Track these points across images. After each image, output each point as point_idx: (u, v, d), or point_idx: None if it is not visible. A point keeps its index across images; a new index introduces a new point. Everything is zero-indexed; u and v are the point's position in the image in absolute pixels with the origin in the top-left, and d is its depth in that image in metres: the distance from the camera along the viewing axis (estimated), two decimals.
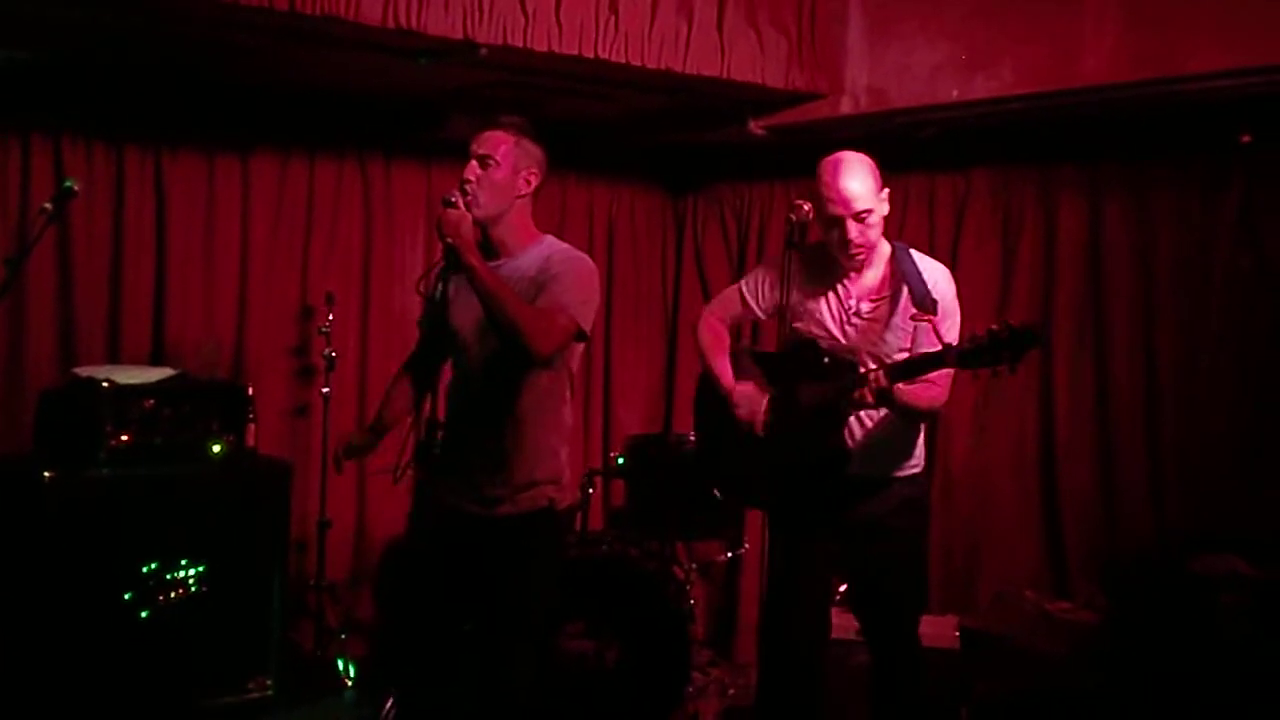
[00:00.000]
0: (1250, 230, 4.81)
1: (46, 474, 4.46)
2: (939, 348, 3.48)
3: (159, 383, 4.83)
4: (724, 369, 4.04)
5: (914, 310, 3.62)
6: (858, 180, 3.70)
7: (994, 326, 3.33)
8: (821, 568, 3.92)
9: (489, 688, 3.68)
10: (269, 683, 4.92)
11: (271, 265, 5.68)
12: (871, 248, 3.77)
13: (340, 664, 5.31)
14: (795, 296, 3.85)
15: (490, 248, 3.65)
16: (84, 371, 4.84)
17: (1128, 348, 5.11)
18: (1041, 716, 4.49)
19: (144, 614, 4.62)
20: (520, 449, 3.63)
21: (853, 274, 3.82)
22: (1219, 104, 4.53)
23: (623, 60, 4.62)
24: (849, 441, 3.79)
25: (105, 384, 4.66)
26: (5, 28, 4.38)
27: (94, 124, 5.23)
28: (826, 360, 3.74)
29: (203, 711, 4.76)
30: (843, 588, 4.42)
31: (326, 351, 5.50)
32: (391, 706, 3.90)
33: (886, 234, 3.84)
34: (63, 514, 4.47)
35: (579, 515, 5.30)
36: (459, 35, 4.27)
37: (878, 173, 3.75)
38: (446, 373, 3.85)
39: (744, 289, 4.06)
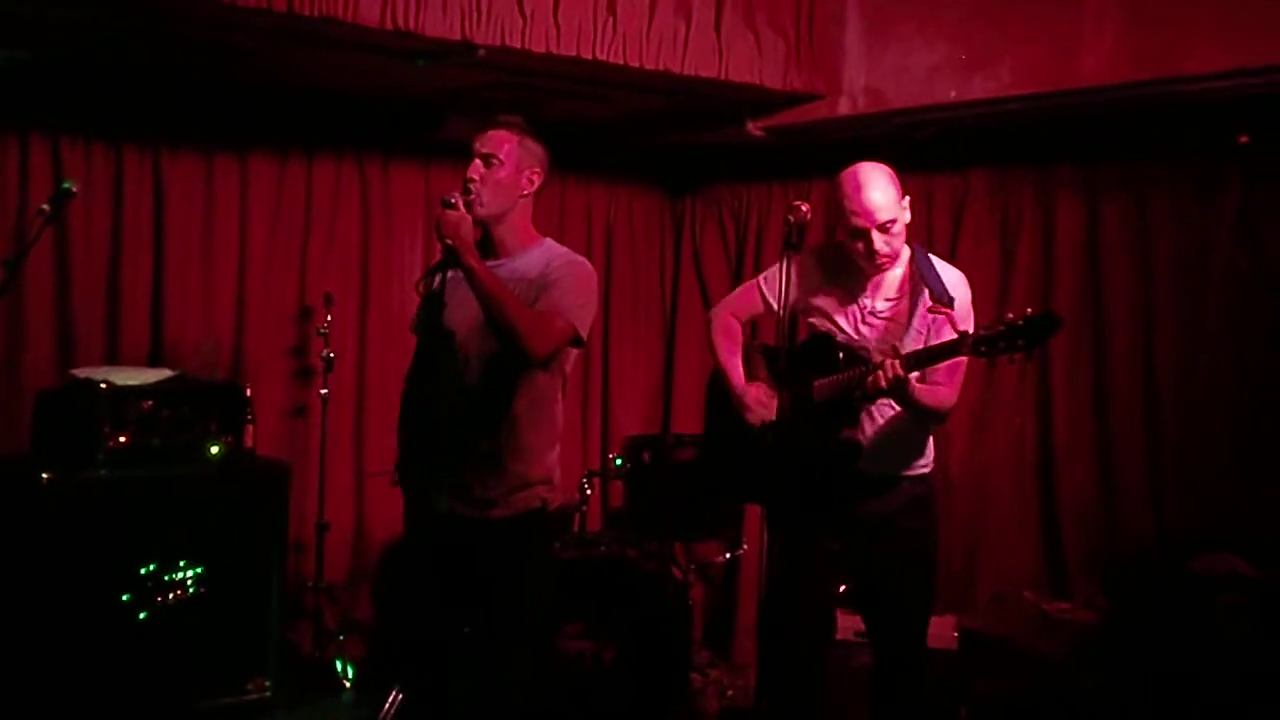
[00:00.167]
0: (1248, 230, 4.81)
1: (45, 475, 4.46)
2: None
3: (157, 384, 4.83)
4: (736, 368, 4.05)
5: (931, 304, 3.63)
6: (880, 191, 3.69)
7: (1010, 315, 3.34)
8: (822, 568, 3.91)
9: (486, 689, 3.68)
10: (267, 684, 4.91)
11: (270, 266, 5.68)
12: (895, 256, 3.78)
13: (338, 665, 5.31)
14: (812, 295, 3.89)
15: (491, 248, 3.65)
16: (82, 372, 4.83)
17: (1126, 348, 5.11)
18: (1041, 717, 4.49)
19: (142, 615, 4.61)
20: (514, 450, 3.63)
21: (871, 275, 3.83)
22: (1217, 104, 4.53)
23: (621, 61, 4.62)
24: (861, 437, 3.79)
25: (103, 385, 4.66)
26: (5, 28, 4.37)
27: (92, 124, 5.23)
28: (841, 355, 3.74)
29: (201, 712, 4.75)
30: (842, 588, 4.41)
31: (325, 352, 5.50)
32: (396, 698, 3.89)
33: None
34: (61, 515, 4.47)
35: (577, 516, 5.30)
36: (457, 36, 4.27)
37: (898, 181, 3.75)
38: None
39: (763, 286, 4.05)
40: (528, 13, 4.38)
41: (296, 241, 5.75)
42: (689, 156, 6.63)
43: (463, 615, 3.74)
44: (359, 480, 5.83)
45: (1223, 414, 4.85)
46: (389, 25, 4.12)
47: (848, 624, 4.43)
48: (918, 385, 3.63)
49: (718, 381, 4.17)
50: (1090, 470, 5.19)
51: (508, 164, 3.62)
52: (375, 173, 5.92)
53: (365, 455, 5.83)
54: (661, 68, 4.71)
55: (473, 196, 3.57)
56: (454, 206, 3.48)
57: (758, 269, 6.29)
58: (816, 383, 3.78)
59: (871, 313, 3.82)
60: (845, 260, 3.85)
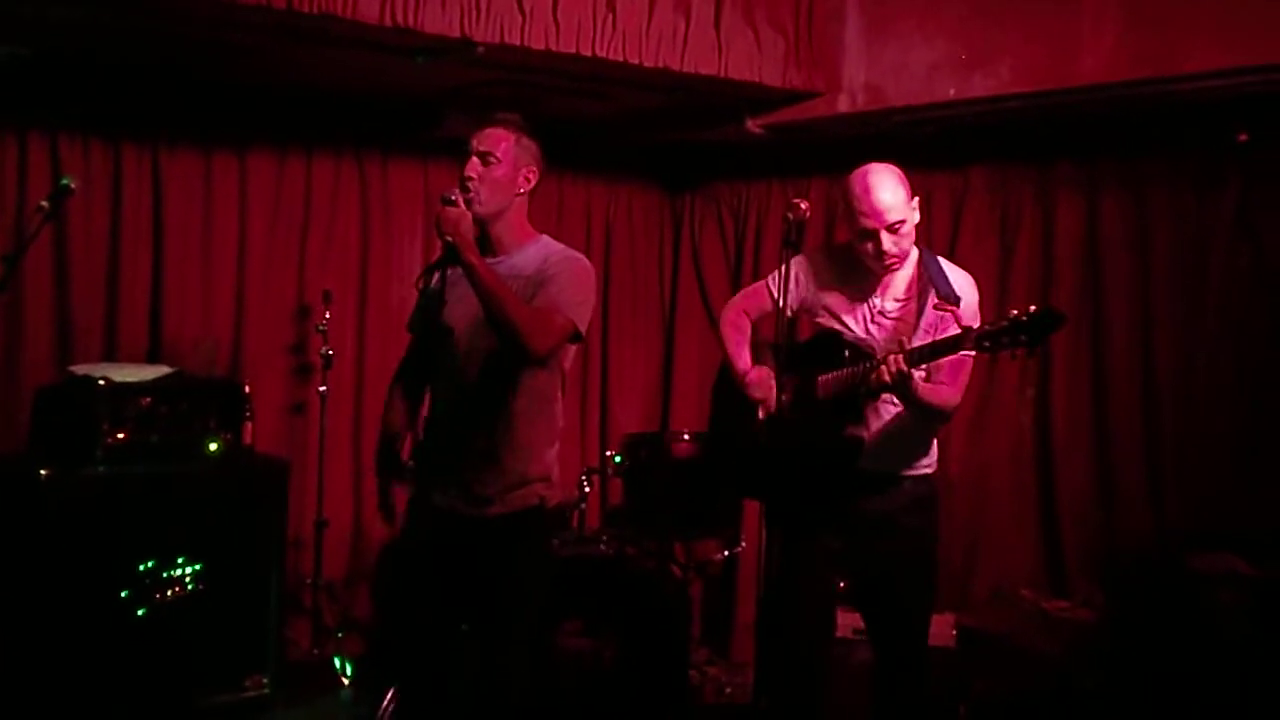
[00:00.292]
0: (1247, 228, 4.81)
1: (43, 472, 4.46)
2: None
3: (156, 380, 4.83)
4: (741, 355, 4.05)
5: (937, 301, 3.64)
6: (889, 192, 3.70)
7: (1013, 311, 3.34)
8: (823, 565, 3.91)
9: (485, 687, 3.68)
10: (266, 681, 4.91)
11: (269, 263, 5.68)
12: (905, 256, 3.79)
13: (337, 663, 5.31)
14: (822, 294, 3.91)
15: (488, 245, 3.65)
16: (80, 369, 4.83)
17: (1125, 345, 5.11)
18: (1039, 715, 4.49)
19: (141, 612, 4.61)
20: (512, 448, 3.63)
21: (880, 276, 3.84)
22: (1216, 103, 4.53)
23: (620, 59, 4.62)
24: (864, 434, 3.79)
25: (102, 382, 4.66)
26: (5, 26, 4.37)
27: (91, 121, 5.23)
28: (847, 352, 3.75)
29: (199, 710, 4.75)
30: (841, 585, 4.41)
31: (324, 350, 5.50)
32: (391, 700, 3.89)
33: None
34: (59, 512, 4.47)
35: (576, 514, 5.30)
36: (456, 34, 4.27)
37: (907, 181, 3.76)
38: None
39: (771, 285, 4.04)
40: (527, 10, 4.38)
41: (295, 239, 5.75)
42: (688, 154, 6.63)
43: (461, 613, 3.74)
44: (358, 477, 5.83)
45: (1222, 412, 4.85)
46: (388, 22, 4.12)
47: (847, 621, 4.42)
48: (921, 382, 3.64)
49: (724, 377, 4.17)
50: (1089, 468, 5.19)
51: (505, 162, 3.62)
52: (374, 170, 5.92)
53: (364, 452, 5.82)
54: (661, 65, 4.71)
55: (471, 194, 3.57)
56: (453, 203, 3.48)
57: (757, 267, 6.31)
58: (821, 378, 3.79)
59: (881, 313, 3.82)
60: (855, 260, 3.86)
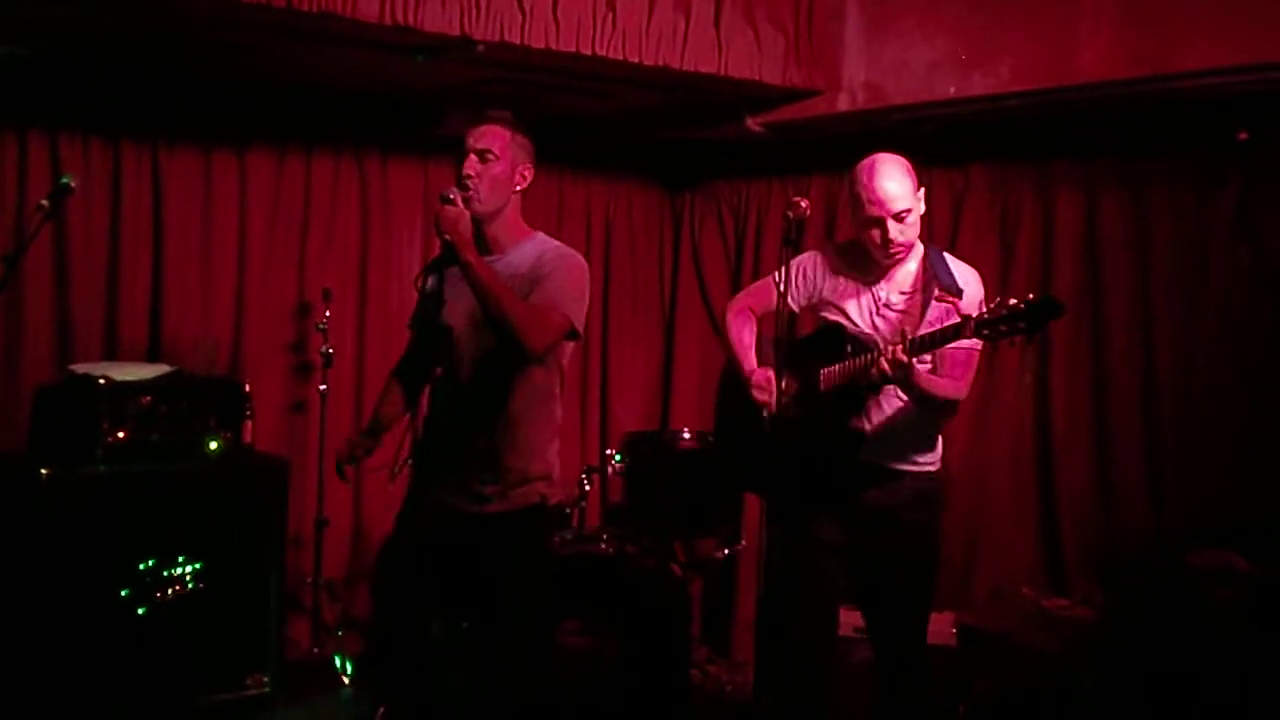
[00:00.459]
0: (1247, 227, 4.81)
1: (43, 471, 4.47)
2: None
3: (156, 379, 4.84)
4: (746, 353, 4.06)
5: (939, 292, 3.64)
6: (895, 181, 3.73)
7: (1013, 300, 3.35)
8: (824, 561, 3.91)
9: (485, 685, 3.68)
10: (266, 680, 4.92)
11: (269, 262, 5.69)
12: (910, 246, 3.81)
13: (337, 661, 5.31)
14: (828, 290, 3.93)
15: (484, 243, 3.65)
16: (80, 368, 4.83)
17: (1125, 343, 5.11)
18: (1039, 713, 4.49)
19: (141, 611, 4.62)
20: (513, 445, 3.64)
21: (886, 270, 3.85)
22: (1216, 101, 4.53)
23: (620, 57, 4.61)
24: (865, 426, 3.80)
25: (102, 381, 4.66)
26: (5, 25, 4.37)
27: (91, 120, 5.23)
28: (850, 346, 3.76)
29: (200, 709, 4.76)
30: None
31: (324, 348, 5.50)
32: (383, 716, 3.88)
33: None
34: (59, 511, 4.47)
35: (576, 512, 5.30)
36: (456, 32, 4.27)
37: (913, 172, 3.79)
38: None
39: (777, 280, 4.06)
40: (527, 8, 4.38)
41: (295, 237, 5.76)
42: (688, 152, 6.63)
43: (461, 611, 3.75)
44: (358, 476, 5.82)
45: (1221, 411, 4.85)
46: (388, 21, 4.12)
47: (847, 620, 4.42)
48: (923, 373, 3.65)
49: (729, 373, 4.18)
50: (1089, 467, 5.19)
51: (504, 159, 3.63)
52: (374, 169, 5.92)
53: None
54: (661, 63, 4.71)
55: (471, 192, 3.57)
56: (452, 202, 3.49)
57: (757, 265, 6.31)
58: (823, 371, 3.79)
59: (885, 306, 3.84)
60: (861, 255, 3.88)
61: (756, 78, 4.98)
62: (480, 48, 4.38)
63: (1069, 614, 4.82)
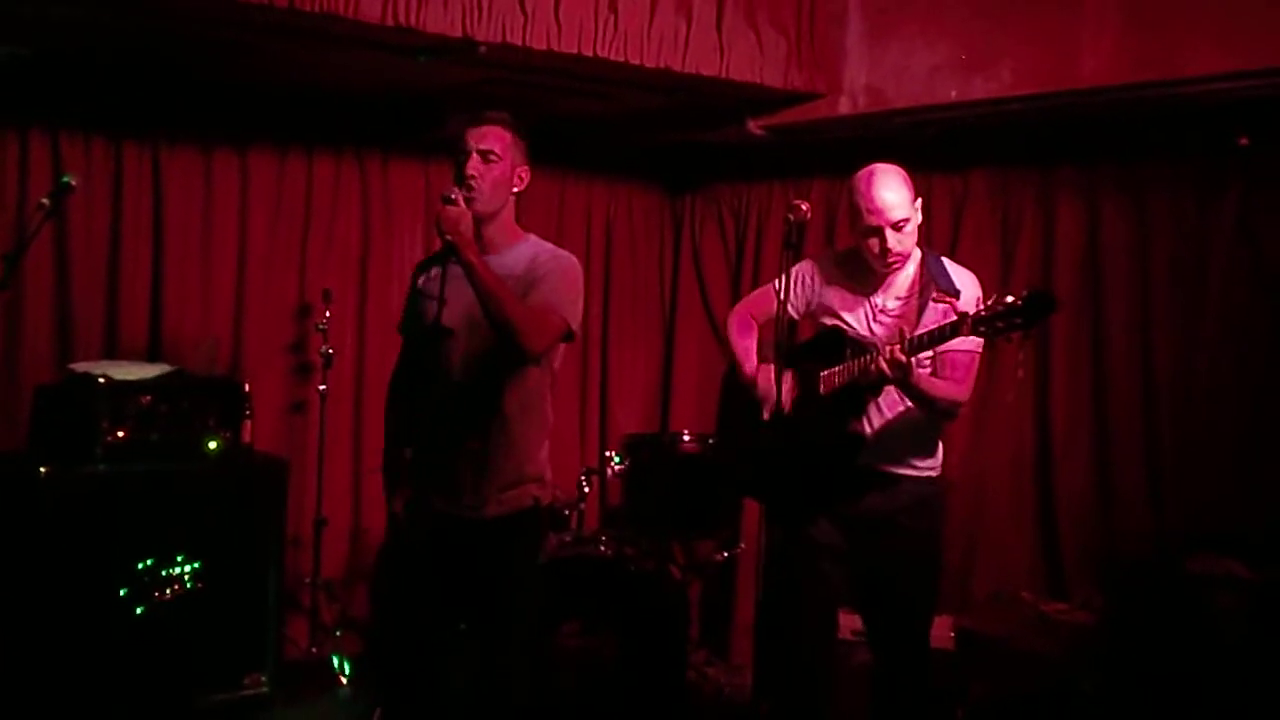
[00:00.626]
0: (1248, 233, 4.81)
1: (42, 470, 4.46)
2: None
3: (156, 379, 4.84)
4: (747, 356, 4.09)
5: (937, 294, 3.65)
6: (893, 191, 3.75)
7: (1009, 297, 3.35)
8: (824, 565, 3.91)
9: (484, 687, 3.68)
10: (264, 680, 4.91)
11: (269, 262, 5.68)
12: (907, 256, 3.84)
13: (335, 661, 5.31)
14: (827, 296, 3.95)
15: (480, 244, 3.63)
16: (80, 367, 4.83)
17: (1125, 349, 5.11)
18: (1037, 718, 4.49)
19: (139, 610, 4.61)
20: (507, 448, 3.64)
21: (884, 276, 3.87)
22: (1217, 106, 4.53)
23: (622, 59, 4.62)
24: (866, 429, 3.80)
25: (102, 380, 4.66)
26: (6, 25, 4.37)
27: (92, 119, 5.23)
28: (848, 348, 3.77)
29: (198, 708, 4.75)
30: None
31: (324, 349, 5.50)
32: (380, 718, 3.87)
33: None
34: (58, 510, 4.47)
35: (575, 514, 5.30)
36: (458, 33, 4.27)
37: (911, 182, 3.81)
38: None
39: (777, 287, 4.07)
40: (529, 10, 4.38)
41: (296, 238, 5.75)
42: (689, 155, 6.62)
43: (457, 614, 3.74)
44: (357, 476, 5.83)
45: (1221, 416, 4.85)
46: (390, 22, 4.12)
47: (846, 623, 4.42)
48: (921, 374, 3.66)
49: (730, 380, 4.19)
50: (1088, 471, 5.19)
51: (504, 160, 3.63)
52: (375, 169, 5.92)
53: (364, 451, 5.83)
54: (662, 66, 4.71)
55: (474, 193, 3.57)
56: (454, 202, 3.49)
57: (757, 268, 6.31)
58: (823, 374, 3.80)
59: (883, 311, 3.85)
60: (859, 262, 3.90)
61: (758, 81, 4.98)
62: (482, 49, 4.39)
63: (1068, 618, 4.82)
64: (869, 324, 3.86)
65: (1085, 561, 5.15)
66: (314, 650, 5.50)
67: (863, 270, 3.90)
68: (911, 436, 3.84)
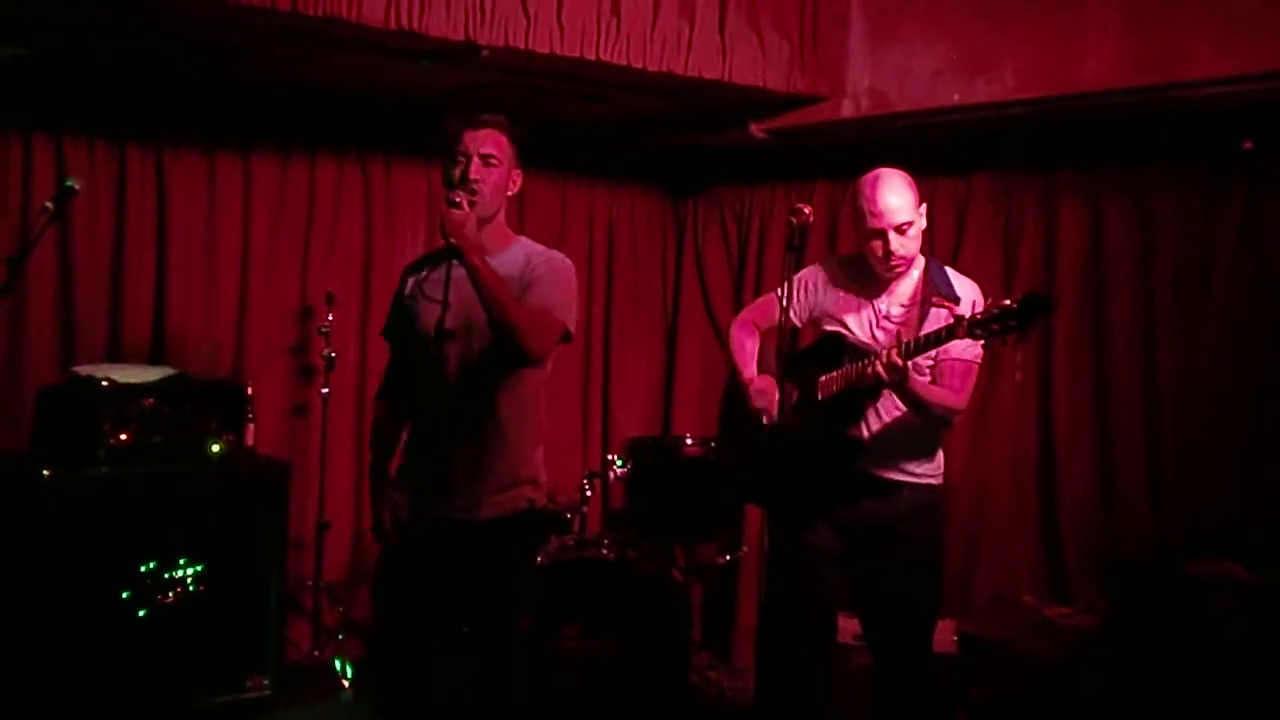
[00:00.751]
0: (1251, 236, 4.80)
1: (45, 472, 4.47)
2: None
3: (158, 381, 4.84)
4: (746, 363, 4.10)
5: (936, 298, 3.65)
6: (897, 195, 3.76)
7: (1005, 300, 3.36)
8: (823, 570, 3.91)
9: (485, 691, 3.68)
10: (266, 682, 4.91)
11: (272, 265, 5.69)
12: (911, 260, 3.84)
13: (337, 664, 5.31)
14: (830, 302, 3.96)
15: None
16: (83, 370, 4.83)
17: (1127, 353, 5.11)
18: None
19: (142, 613, 4.62)
20: (501, 450, 3.63)
21: (887, 283, 3.87)
22: (1220, 110, 4.53)
23: (624, 62, 4.62)
24: (864, 434, 3.80)
25: (105, 382, 4.66)
26: (7, 26, 4.38)
27: (96, 123, 5.24)
28: (847, 354, 3.78)
29: (200, 711, 4.75)
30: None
31: (326, 351, 5.51)
32: None
33: None
34: (61, 512, 4.48)
35: (577, 517, 5.30)
36: (461, 37, 4.27)
37: (915, 186, 3.82)
38: None
39: (780, 295, 4.08)
40: (531, 13, 4.38)
41: (299, 240, 5.76)
42: (692, 158, 6.62)
43: (455, 618, 3.74)
44: (359, 479, 5.83)
45: (1223, 419, 4.85)
46: (393, 25, 4.12)
47: (846, 627, 4.42)
48: (919, 380, 3.66)
49: (732, 386, 4.20)
50: (1090, 474, 5.19)
51: (503, 164, 3.64)
52: (378, 172, 5.93)
53: (366, 454, 5.81)
54: (665, 69, 4.71)
55: (476, 196, 3.57)
56: (459, 205, 3.48)
57: (760, 271, 6.31)
58: (822, 379, 3.80)
59: (886, 317, 3.85)
60: (862, 269, 3.91)
61: (760, 84, 4.98)
62: (485, 53, 4.39)
63: (1070, 622, 4.82)
64: (871, 330, 3.86)
65: (1087, 564, 5.15)
66: (316, 653, 5.50)
67: (866, 276, 3.91)
68: (910, 442, 3.84)
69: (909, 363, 3.56)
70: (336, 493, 5.69)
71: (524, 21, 4.37)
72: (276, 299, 5.71)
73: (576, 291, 3.69)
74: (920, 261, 3.89)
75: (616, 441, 6.34)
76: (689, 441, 5.49)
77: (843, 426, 3.79)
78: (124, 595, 4.59)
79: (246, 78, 5.20)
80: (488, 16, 4.30)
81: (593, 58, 4.54)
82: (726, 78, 4.88)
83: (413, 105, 5.58)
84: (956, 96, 4.82)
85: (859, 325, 3.88)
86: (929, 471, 3.89)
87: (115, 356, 5.26)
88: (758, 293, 5.45)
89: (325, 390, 5.56)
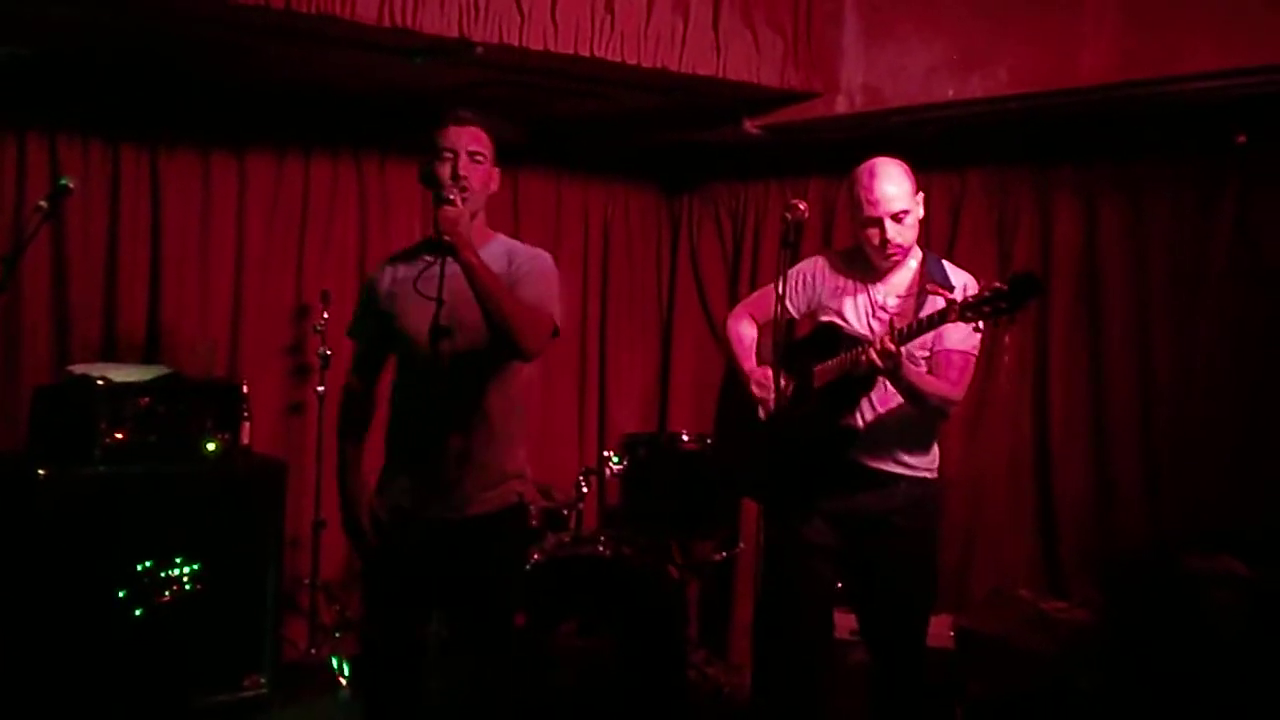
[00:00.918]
0: (1246, 231, 4.81)
1: (41, 472, 4.47)
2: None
3: (154, 380, 4.84)
4: (746, 353, 4.11)
5: (931, 285, 3.66)
6: (894, 183, 3.78)
7: (996, 283, 3.38)
8: (819, 564, 3.92)
9: (479, 687, 3.68)
10: (263, 681, 4.91)
11: (267, 263, 5.69)
12: (907, 249, 3.86)
13: (334, 663, 5.30)
14: (827, 294, 3.97)
15: None
16: (79, 369, 4.83)
17: (1123, 347, 5.11)
18: (1036, 715, 4.49)
19: (138, 612, 4.62)
20: (492, 446, 3.64)
21: (884, 273, 3.88)
22: (1215, 104, 4.53)
23: (618, 59, 4.62)
24: (859, 423, 3.81)
25: (100, 382, 4.66)
26: (7, 26, 4.37)
27: (90, 122, 5.23)
28: (843, 342, 3.79)
29: (197, 710, 4.75)
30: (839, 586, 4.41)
31: (321, 350, 5.51)
32: None
33: None
34: (57, 512, 4.47)
35: (573, 514, 5.29)
36: (454, 34, 4.27)
37: (912, 175, 3.84)
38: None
39: (778, 288, 4.08)
40: (525, 10, 4.38)
41: (293, 239, 5.76)
42: (686, 155, 6.62)
43: (450, 615, 3.74)
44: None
45: (1219, 414, 4.85)
46: (386, 23, 4.12)
47: (843, 623, 4.42)
48: (913, 368, 3.67)
49: (729, 381, 4.20)
50: (1086, 469, 5.19)
51: (488, 160, 3.64)
52: (372, 171, 5.92)
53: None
54: (659, 66, 4.72)
55: (466, 193, 3.56)
56: (452, 204, 3.48)
57: (755, 268, 6.31)
58: (818, 368, 3.81)
59: (881, 308, 3.87)
60: (859, 260, 3.93)
61: (754, 80, 4.99)
62: (479, 50, 4.39)
63: (1066, 616, 4.82)
64: (867, 320, 3.87)
65: (1083, 559, 5.15)
66: (313, 651, 5.50)
67: (863, 266, 3.92)
68: (905, 433, 3.84)
69: (903, 351, 3.57)
70: (332, 491, 5.63)
71: (518, 18, 4.37)
72: (271, 298, 5.70)
73: (559, 286, 3.69)
74: (917, 253, 3.91)
75: (612, 438, 6.34)
76: (685, 438, 5.49)
77: (837, 415, 3.80)
78: (120, 595, 4.59)
79: (241, 77, 5.20)
80: (481, 13, 4.30)
81: (587, 54, 4.55)
82: (721, 74, 4.88)
83: (407, 103, 5.58)
84: (951, 92, 4.83)
85: (855, 315, 3.89)
86: (924, 464, 3.89)
87: (110, 355, 5.25)
88: (753, 289, 5.44)
89: (321, 389, 5.55)
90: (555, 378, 6.50)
